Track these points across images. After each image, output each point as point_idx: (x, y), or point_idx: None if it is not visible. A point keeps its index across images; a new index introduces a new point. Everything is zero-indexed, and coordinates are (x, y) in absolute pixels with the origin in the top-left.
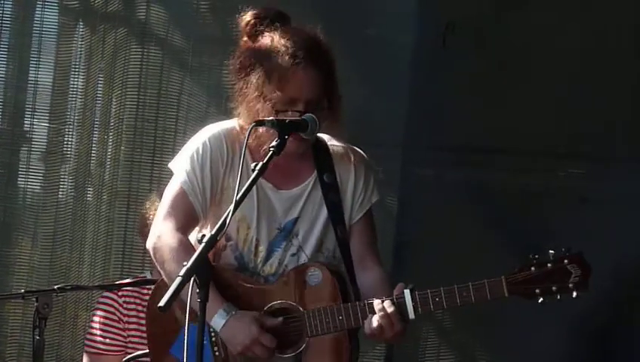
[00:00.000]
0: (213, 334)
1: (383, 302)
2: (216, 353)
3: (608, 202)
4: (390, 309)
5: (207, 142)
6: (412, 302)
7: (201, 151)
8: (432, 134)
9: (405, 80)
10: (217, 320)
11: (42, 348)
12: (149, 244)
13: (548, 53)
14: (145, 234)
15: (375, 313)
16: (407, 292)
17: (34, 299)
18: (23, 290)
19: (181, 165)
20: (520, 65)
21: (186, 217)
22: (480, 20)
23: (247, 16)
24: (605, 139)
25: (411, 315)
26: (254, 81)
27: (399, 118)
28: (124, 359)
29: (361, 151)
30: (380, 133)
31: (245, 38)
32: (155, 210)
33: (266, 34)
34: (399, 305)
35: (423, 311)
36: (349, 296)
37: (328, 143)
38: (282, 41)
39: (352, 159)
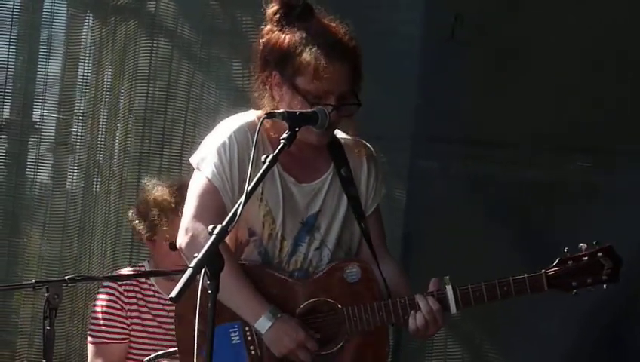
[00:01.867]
0: (248, 334)
1: (426, 298)
2: (252, 352)
3: (611, 193)
4: (435, 306)
5: (233, 136)
6: (454, 297)
7: (227, 145)
8: (439, 128)
9: (413, 74)
10: (263, 323)
11: (53, 338)
12: (182, 242)
13: (553, 46)
14: (137, 231)
15: (415, 308)
16: (449, 288)
17: (44, 290)
18: (33, 280)
19: (207, 160)
20: (528, 58)
21: (217, 215)
22: (487, 14)
23: (275, 4)
24: (608, 131)
25: (453, 310)
26: (288, 71)
27: (407, 111)
28: (145, 359)
29: (369, 144)
30: (388, 127)
31: (271, 27)
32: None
33: (298, 25)
34: (441, 300)
35: (464, 306)
36: (382, 289)
37: (338, 136)
38: (319, 34)
39: (363, 153)
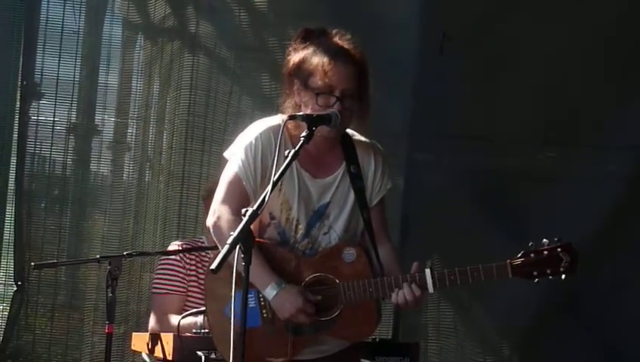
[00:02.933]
0: (262, 299)
1: (408, 279)
2: (265, 314)
3: (574, 181)
4: (414, 286)
5: (259, 137)
6: (432, 279)
7: (253, 144)
8: (432, 126)
9: (410, 82)
10: (269, 291)
11: (114, 303)
12: (210, 222)
13: (525, 59)
14: (208, 205)
15: (400, 287)
16: (427, 271)
17: (107, 263)
18: (98, 256)
19: (236, 155)
20: (506, 68)
21: (240, 200)
22: (472, 29)
23: (301, 31)
24: (572, 128)
25: (431, 290)
26: (303, 75)
27: (405, 113)
28: (182, 315)
29: (379, 145)
30: (390, 125)
31: (293, 47)
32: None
33: (313, 42)
34: (421, 281)
35: (440, 286)
36: (374, 268)
37: (353, 138)
38: (327, 45)
39: (373, 152)
